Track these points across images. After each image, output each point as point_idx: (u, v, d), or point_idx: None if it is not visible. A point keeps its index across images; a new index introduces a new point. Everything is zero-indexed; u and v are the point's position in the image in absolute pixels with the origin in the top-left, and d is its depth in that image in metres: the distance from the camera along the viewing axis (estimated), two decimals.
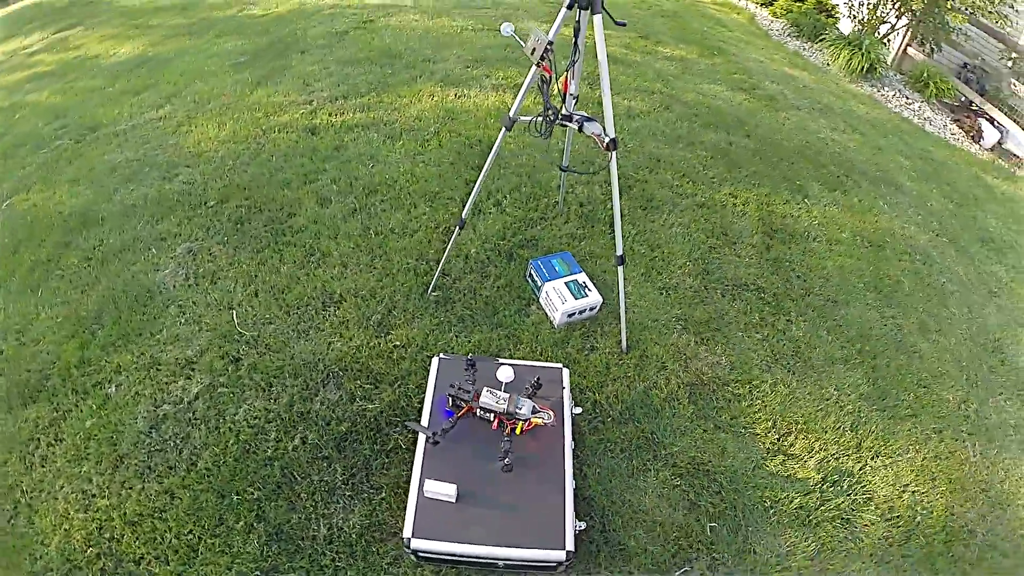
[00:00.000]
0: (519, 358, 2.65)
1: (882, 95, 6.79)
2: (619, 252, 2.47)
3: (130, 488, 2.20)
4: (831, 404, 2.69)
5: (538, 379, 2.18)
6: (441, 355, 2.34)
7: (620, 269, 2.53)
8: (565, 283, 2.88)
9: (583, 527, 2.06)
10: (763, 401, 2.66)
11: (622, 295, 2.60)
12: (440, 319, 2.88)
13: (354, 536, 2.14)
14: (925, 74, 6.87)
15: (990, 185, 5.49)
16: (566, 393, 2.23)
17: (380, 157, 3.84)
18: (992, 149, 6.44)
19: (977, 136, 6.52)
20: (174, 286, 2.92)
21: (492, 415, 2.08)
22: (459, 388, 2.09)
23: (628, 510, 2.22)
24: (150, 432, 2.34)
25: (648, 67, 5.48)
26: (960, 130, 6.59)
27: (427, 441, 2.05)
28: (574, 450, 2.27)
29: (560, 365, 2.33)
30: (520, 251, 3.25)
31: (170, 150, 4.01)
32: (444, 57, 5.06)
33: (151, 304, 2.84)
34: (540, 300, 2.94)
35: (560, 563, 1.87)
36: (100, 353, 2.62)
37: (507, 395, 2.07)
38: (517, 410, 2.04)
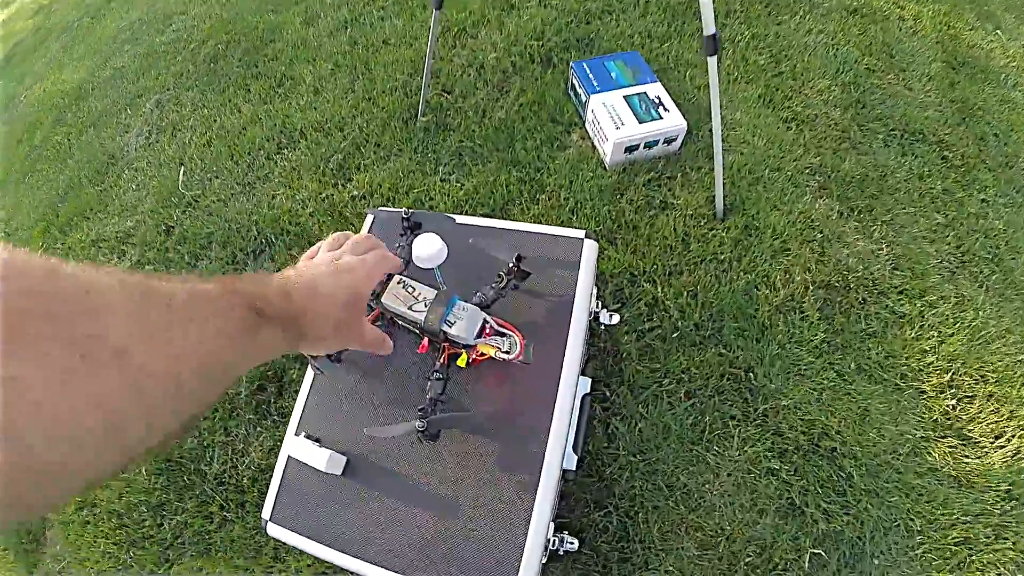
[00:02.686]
0: (535, 217, 1.53)
1: None
2: (710, 30, 1.22)
3: None
4: None
5: (519, 258, 0.99)
6: (381, 208, 1.22)
7: (711, 61, 1.28)
8: (624, 97, 1.66)
9: (572, 547, 1.01)
10: (939, 332, 1.48)
11: (716, 115, 1.36)
12: (426, 155, 1.79)
13: (246, 481, 1.39)
14: None
15: None
16: (582, 284, 1.08)
17: None
18: None
19: None
20: (136, 147, 2.43)
21: (415, 328, 0.91)
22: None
23: (680, 505, 1.19)
24: None
25: None
26: None
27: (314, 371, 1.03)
28: (595, 389, 1.21)
29: (581, 233, 1.14)
30: (564, 55, 2.02)
31: (172, 1, 3.30)
32: None
33: (110, 173, 2.40)
34: (586, 124, 1.75)
35: None
36: (58, 235, 2.25)
37: (431, 291, 0.86)
38: (447, 326, 0.84)
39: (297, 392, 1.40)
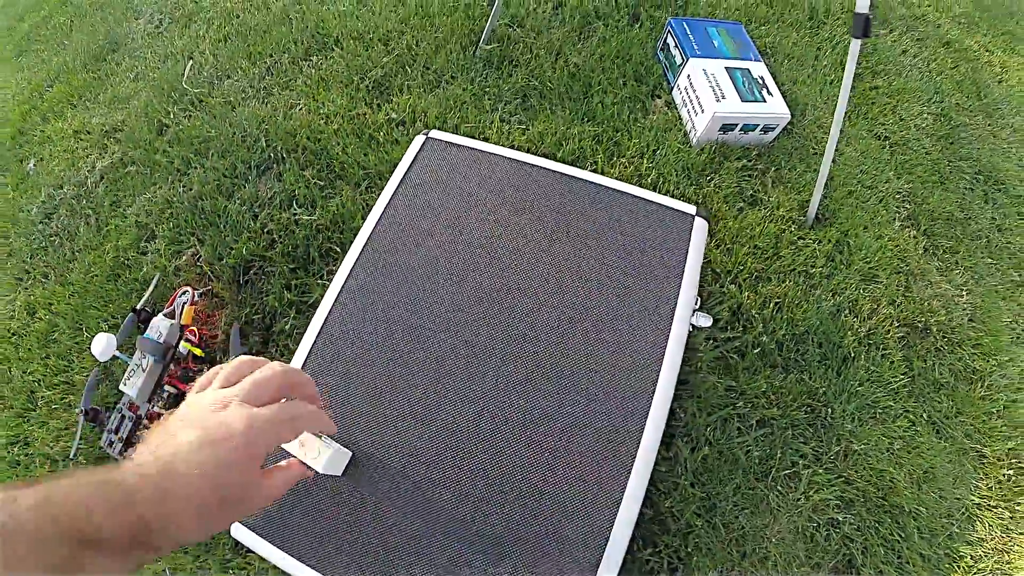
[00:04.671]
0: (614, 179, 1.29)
1: None
2: (864, 8, 1.01)
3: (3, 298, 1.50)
4: None
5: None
6: (434, 132, 1.04)
7: (855, 44, 1.05)
8: (727, 69, 1.43)
9: None
10: (1007, 395, 1.32)
11: (842, 107, 1.13)
12: (484, 87, 1.52)
13: None
14: None
15: None
16: (689, 272, 0.88)
17: None
18: None
19: None
20: (143, 35, 2.10)
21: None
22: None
23: (734, 551, 1.00)
24: (41, 224, 1.60)
25: None
26: None
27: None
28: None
29: (692, 209, 0.92)
30: (655, 12, 1.76)
31: None
32: None
33: (109, 60, 2.07)
34: (674, 91, 1.50)
35: None
36: (39, 122, 1.94)
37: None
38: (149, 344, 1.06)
39: (289, 345, 1.15)
